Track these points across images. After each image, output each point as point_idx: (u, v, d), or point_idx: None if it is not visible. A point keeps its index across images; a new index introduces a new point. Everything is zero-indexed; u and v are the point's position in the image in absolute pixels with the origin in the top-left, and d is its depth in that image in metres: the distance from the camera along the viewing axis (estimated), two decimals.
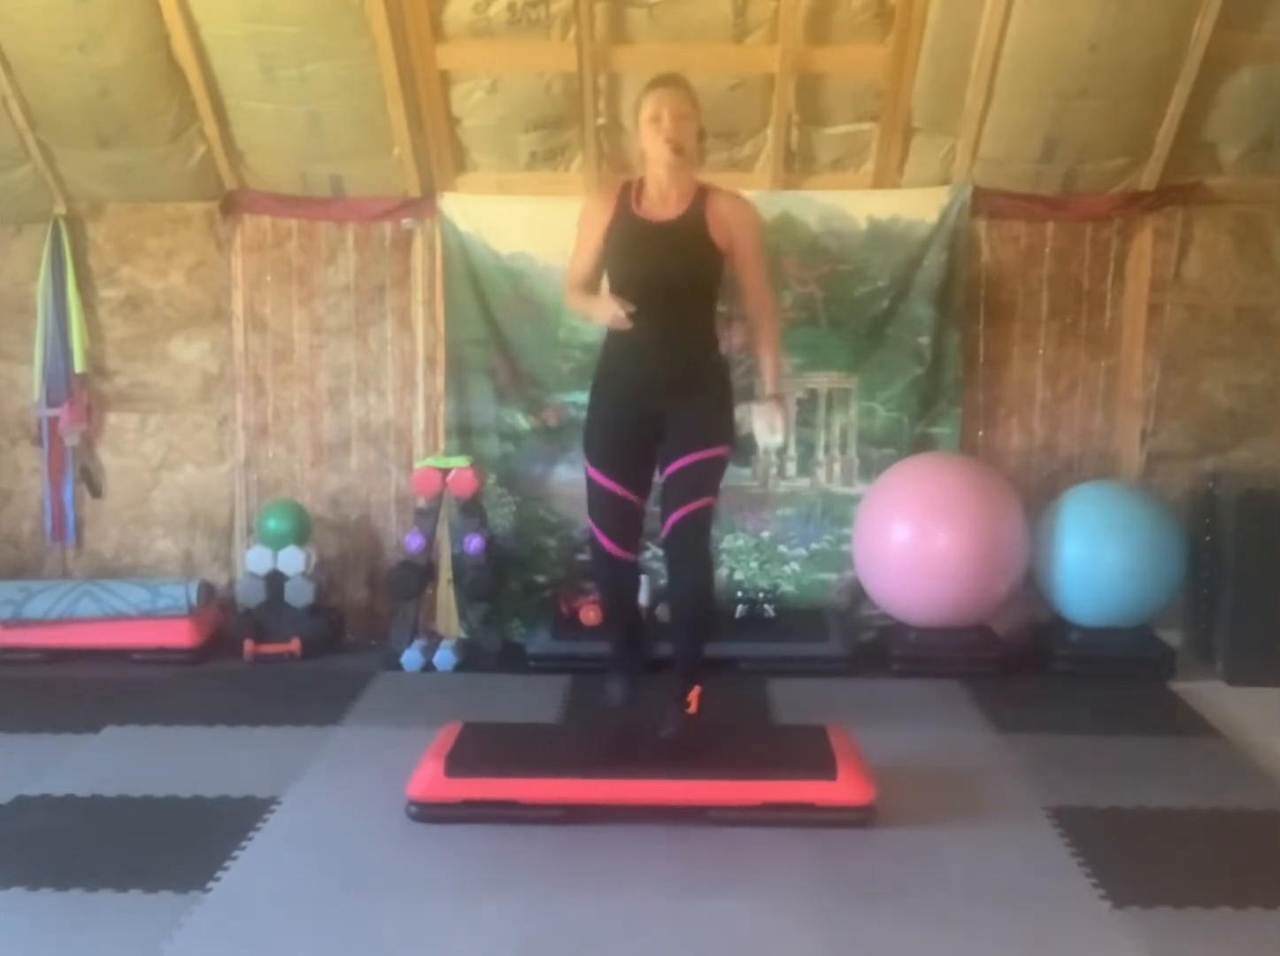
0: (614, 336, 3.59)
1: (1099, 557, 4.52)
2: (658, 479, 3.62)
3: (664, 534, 3.56)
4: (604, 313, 3.52)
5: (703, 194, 3.55)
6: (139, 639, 4.76)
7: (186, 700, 4.34)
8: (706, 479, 3.54)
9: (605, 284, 3.64)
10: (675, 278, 3.48)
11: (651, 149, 3.52)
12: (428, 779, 3.32)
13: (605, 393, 3.62)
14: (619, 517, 3.58)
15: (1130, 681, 4.49)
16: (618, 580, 3.67)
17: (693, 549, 3.55)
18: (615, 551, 3.57)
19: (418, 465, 4.92)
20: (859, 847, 3.16)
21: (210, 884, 2.95)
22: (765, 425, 3.58)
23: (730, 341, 4.43)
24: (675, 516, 3.50)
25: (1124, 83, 4.42)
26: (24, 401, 5.16)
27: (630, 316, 3.45)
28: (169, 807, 3.42)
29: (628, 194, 3.59)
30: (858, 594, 4.95)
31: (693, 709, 3.55)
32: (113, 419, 5.17)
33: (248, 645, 4.80)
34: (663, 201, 3.54)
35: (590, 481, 3.60)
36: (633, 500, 3.58)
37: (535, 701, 4.29)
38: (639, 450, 3.58)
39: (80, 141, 4.76)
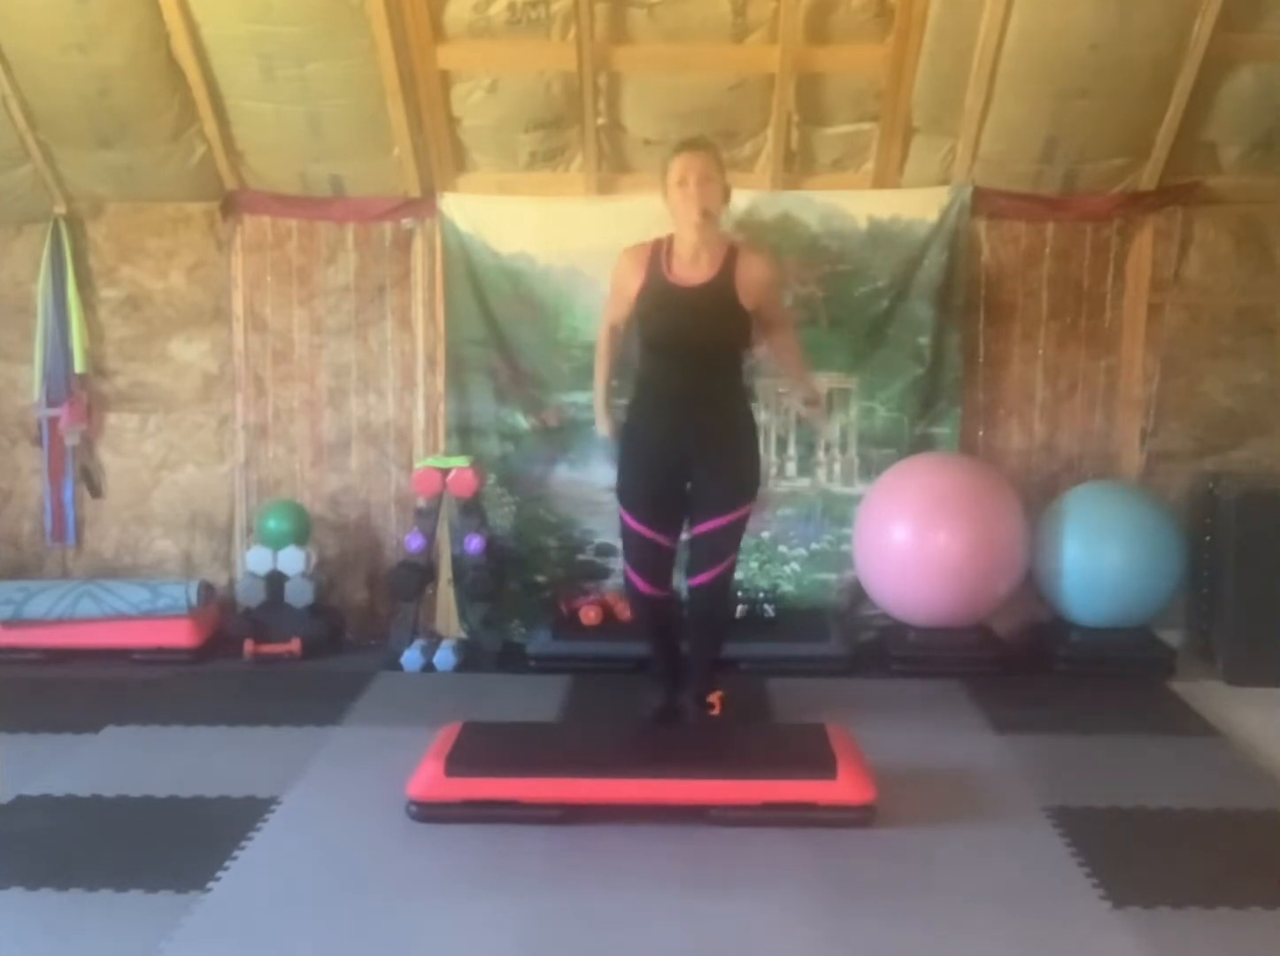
0: (645, 390, 3.84)
1: (1099, 557, 4.52)
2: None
3: (690, 586, 3.87)
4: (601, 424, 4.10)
5: (732, 255, 3.74)
6: (139, 639, 4.75)
7: (186, 700, 4.34)
8: (732, 539, 3.84)
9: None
10: (707, 339, 3.70)
11: (678, 212, 3.70)
12: (428, 779, 3.32)
13: (637, 442, 3.85)
14: (652, 559, 3.82)
15: (1130, 681, 4.49)
16: (654, 616, 3.91)
17: (717, 603, 3.93)
18: (649, 590, 3.83)
19: (418, 465, 4.92)
20: (859, 847, 3.16)
21: (210, 884, 2.95)
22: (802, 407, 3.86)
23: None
24: (701, 578, 3.82)
25: (1124, 83, 4.42)
26: (24, 401, 5.16)
27: (663, 373, 3.76)
28: (169, 807, 3.42)
29: (658, 255, 3.77)
30: (858, 594, 4.95)
31: (717, 711, 3.93)
32: (113, 419, 5.17)
33: (248, 645, 4.80)
34: (694, 263, 3.73)
35: (624, 525, 3.86)
36: (664, 543, 3.84)
37: (535, 701, 4.29)
38: (671, 496, 3.82)
39: (80, 141, 4.76)
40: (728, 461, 3.80)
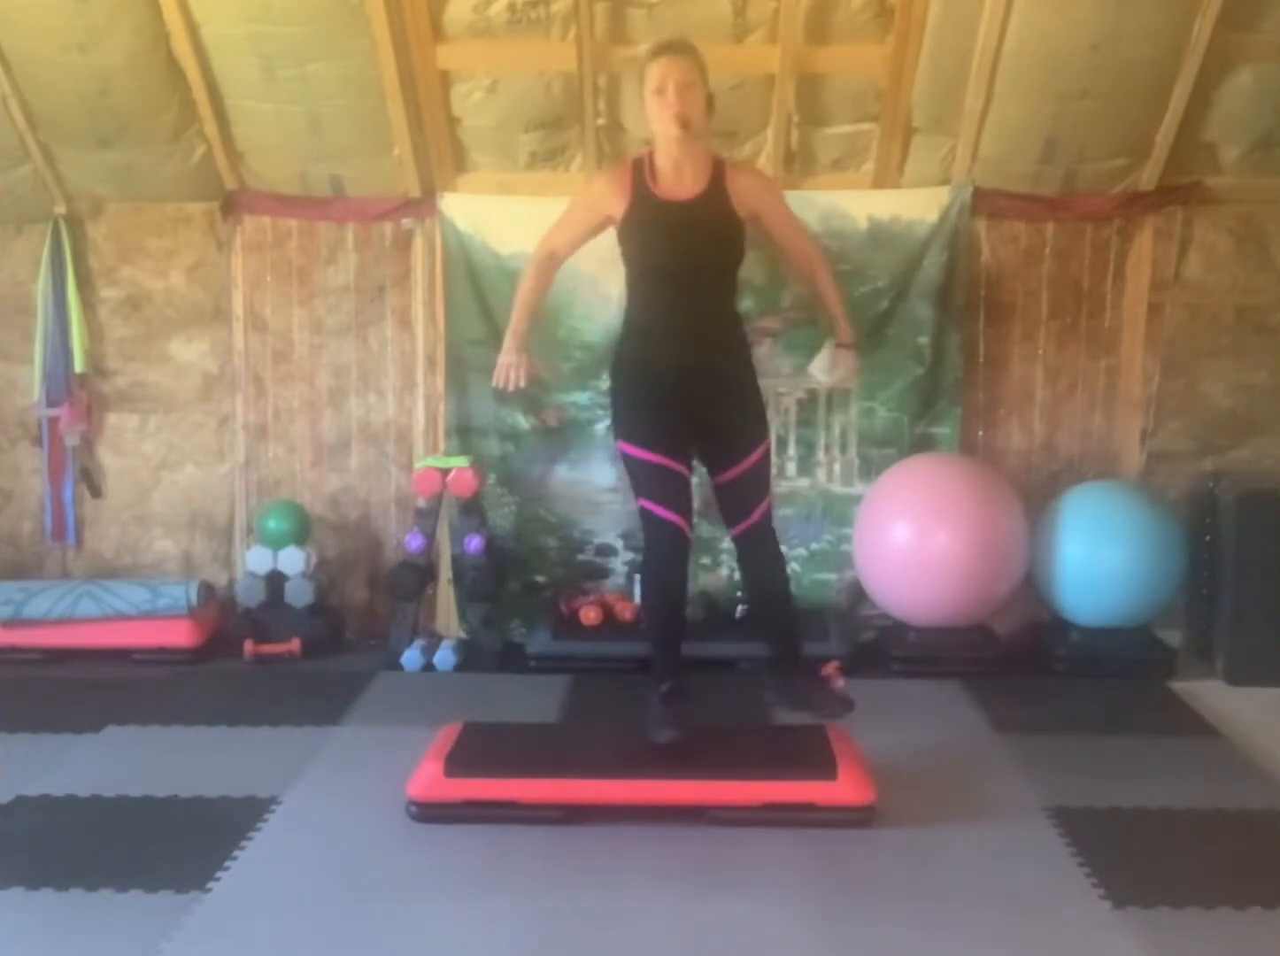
0: (637, 320, 3.51)
1: (1099, 557, 4.52)
2: (702, 474, 3.59)
3: (734, 537, 3.58)
4: (504, 362, 3.56)
5: (720, 168, 3.46)
6: (139, 639, 4.75)
7: (186, 700, 4.34)
8: (762, 480, 3.56)
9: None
10: (702, 258, 3.39)
11: (658, 124, 3.39)
12: (428, 779, 3.32)
13: (636, 378, 3.51)
14: (671, 485, 3.44)
15: (1130, 681, 4.49)
16: (674, 557, 3.44)
17: (768, 549, 3.59)
18: (675, 519, 3.40)
19: (418, 465, 4.92)
20: (859, 847, 3.16)
21: (210, 884, 2.95)
22: (826, 365, 3.53)
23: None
24: (744, 525, 3.52)
25: (1124, 83, 4.42)
26: (24, 401, 5.16)
27: (658, 301, 3.42)
28: (169, 807, 3.42)
29: (641, 173, 3.44)
30: (858, 594, 4.95)
31: (841, 682, 3.56)
32: (113, 419, 5.18)
33: (248, 645, 4.79)
34: (678, 178, 3.41)
35: (635, 461, 3.48)
36: (681, 470, 3.45)
37: (535, 701, 4.29)
38: (678, 424, 3.46)
39: (80, 141, 4.76)
40: (738, 401, 3.52)
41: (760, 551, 3.58)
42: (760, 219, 3.52)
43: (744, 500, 3.53)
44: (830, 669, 3.55)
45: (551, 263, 3.62)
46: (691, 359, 3.44)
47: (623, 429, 3.55)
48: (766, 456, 3.58)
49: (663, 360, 3.45)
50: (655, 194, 3.42)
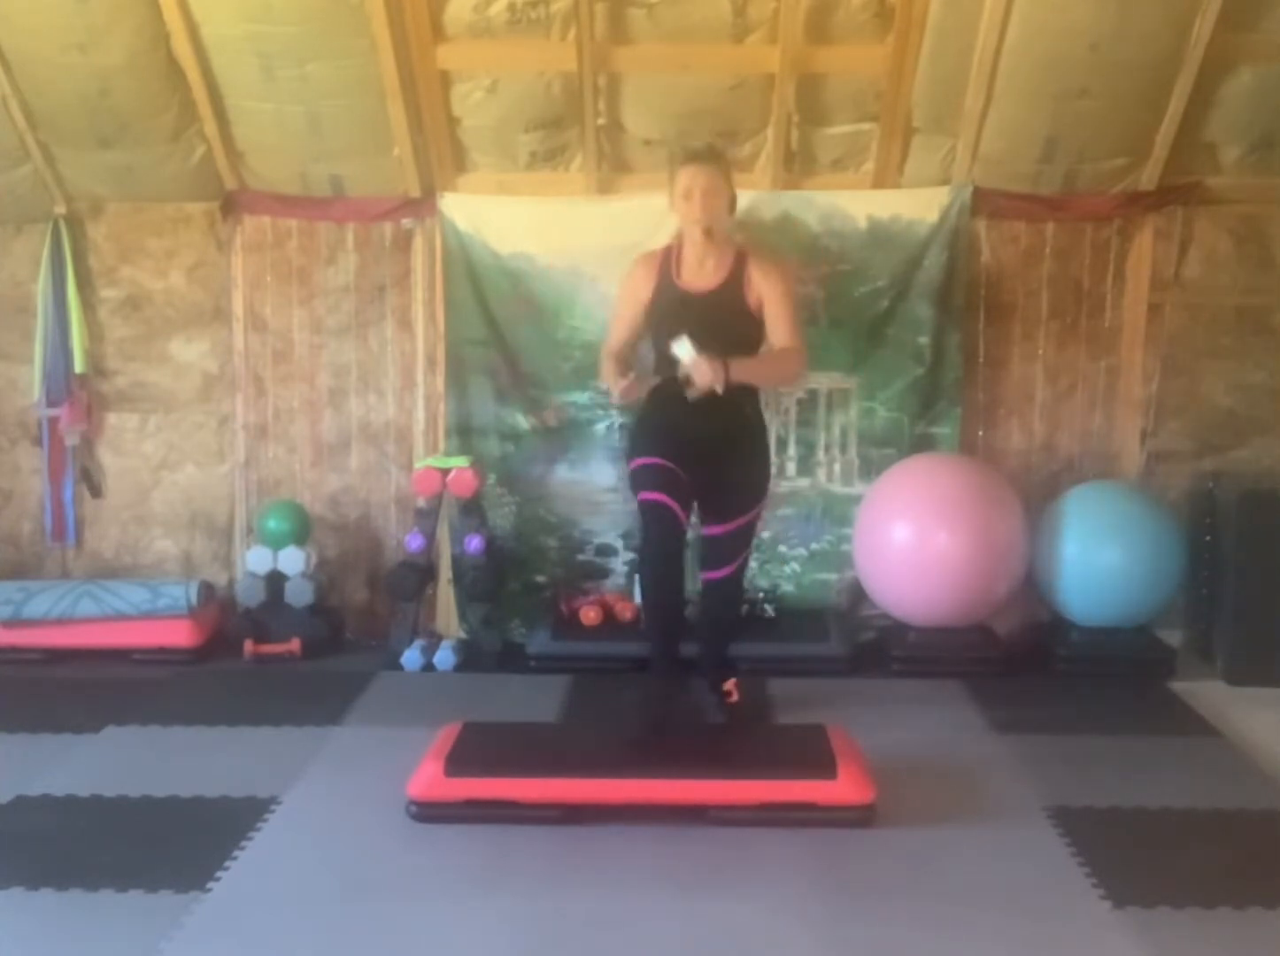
0: (659, 393, 3.77)
1: (1099, 557, 4.52)
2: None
3: (704, 579, 3.94)
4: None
5: (740, 260, 3.75)
6: (139, 639, 4.75)
7: (186, 700, 4.34)
8: (741, 541, 3.90)
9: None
10: (717, 344, 3.58)
11: (684, 224, 3.73)
12: (428, 779, 3.32)
13: (655, 423, 3.79)
14: (670, 480, 3.65)
15: (1130, 681, 4.49)
16: (669, 543, 3.64)
17: (726, 597, 3.99)
18: (667, 500, 3.61)
19: (418, 465, 4.92)
20: (859, 847, 3.16)
21: (210, 884, 2.95)
22: (691, 352, 3.55)
23: None
24: (711, 576, 3.91)
25: (1124, 83, 4.43)
26: (24, 401, 5.16)
27: (674, 378, 3.63)
28: (169, 807, 3.42)
29: (668, 262, 3.79)
30: (858, 594, 4.95)
31: (734, 698, 4.00)
32: (113, 419, 5.18)
33: (248, 645, 4.80)
34: (700, 269, 3.75)
35: (639, 469, 3.72)
36: (682, 476, 3.68)
37: (535, 701, 4.29)
38: (686, 458, 3.70)
39: (80, 141, 4.76)
40: (740, 471, 3.82)
41: (718, 599, 3.97)
42: (761, 305, 3.75)
43: (718, 556, 3.89)
44: (731, 685, 4.03)
45: (620, 358, 3.81)
46: (706, 431, 3.70)
47: (635, 451, 3.82)
48: (758, 517, 3.94)
49: (680, 422, 3.70)
50: (677, 284, 3.76)
